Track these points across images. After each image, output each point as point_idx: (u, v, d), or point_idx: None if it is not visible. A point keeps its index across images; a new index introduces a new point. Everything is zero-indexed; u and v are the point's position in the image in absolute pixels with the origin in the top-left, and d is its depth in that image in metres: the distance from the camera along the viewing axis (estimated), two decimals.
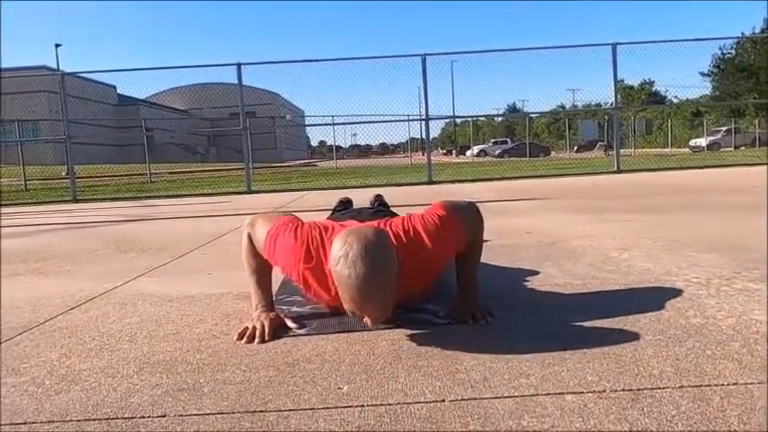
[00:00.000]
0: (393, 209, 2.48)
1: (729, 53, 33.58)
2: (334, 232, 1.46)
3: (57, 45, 35.32)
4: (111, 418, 1.05)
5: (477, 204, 1.69)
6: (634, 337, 1.35)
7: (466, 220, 1.59)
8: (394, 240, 1.41)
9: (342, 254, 1.26)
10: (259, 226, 1.59)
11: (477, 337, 1.40)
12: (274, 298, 1.74)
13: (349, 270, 1.24)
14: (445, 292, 1.73)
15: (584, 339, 1.35)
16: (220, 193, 9.13)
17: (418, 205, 2.00)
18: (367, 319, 1.33)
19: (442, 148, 44.68)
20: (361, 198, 3.52)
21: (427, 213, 1.54)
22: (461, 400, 1.06)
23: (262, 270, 1.62)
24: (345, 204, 2.72)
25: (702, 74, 32.83)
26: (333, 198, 4.16)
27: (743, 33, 30.31)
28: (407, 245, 1.44)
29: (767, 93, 28.59)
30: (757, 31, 31.61)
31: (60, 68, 28.28)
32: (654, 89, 43.86)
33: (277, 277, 1.68)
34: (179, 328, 1.63)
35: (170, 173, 18.64)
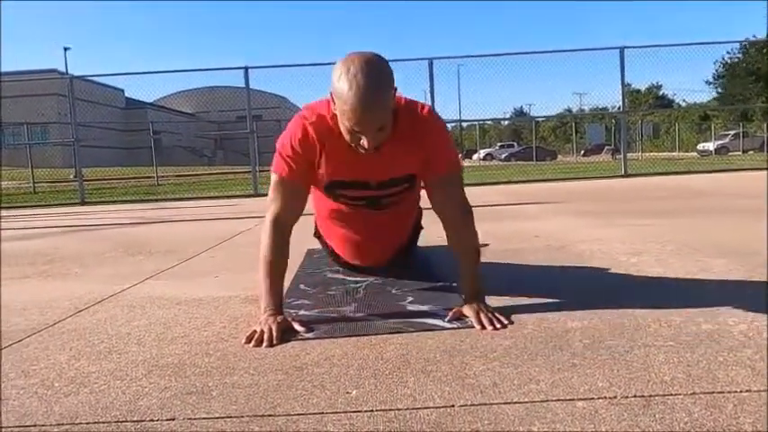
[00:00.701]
0: None
1: (737, 57, 33.45)
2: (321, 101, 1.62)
3: (65, 48, 35.62)
4: (120, 421, 1.05)
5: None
6: (644, 342, 1.34)
7: (458, 169, 1.72)
8: (397, 101, 1.57)
9: (344, 70, 1.38)
10: (270, 192, 1.67)
11: (486, 343, 1.40)
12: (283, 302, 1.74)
13: (350, 82, 1.36)
14: (455, 296, 1.72)
15: (595, 345, 1.34)
16: (227, 196, 9.15)
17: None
18: (364, 141, 1.44)
19: None
20: None
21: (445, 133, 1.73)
22: (471, 405, 1.05)
23: (277, 271, 1.62)
24: None
25: (707, 82, 32.74)
26: None
27: (754, 36, 30.16)
28: (409, 107, 1.62)
29: None
30: (763, 35, 31.47)
31: (69, 72, 28.51)
32: (661, 93, 43.74)
33: (284, 283, 1.68)
34: (187, 330, 1.64)
35: (177, 176, 18.73)
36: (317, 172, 1.68)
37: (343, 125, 1.46)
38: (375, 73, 1.39)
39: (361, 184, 1.72)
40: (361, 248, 2.00)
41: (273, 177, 1.67)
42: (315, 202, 1.91)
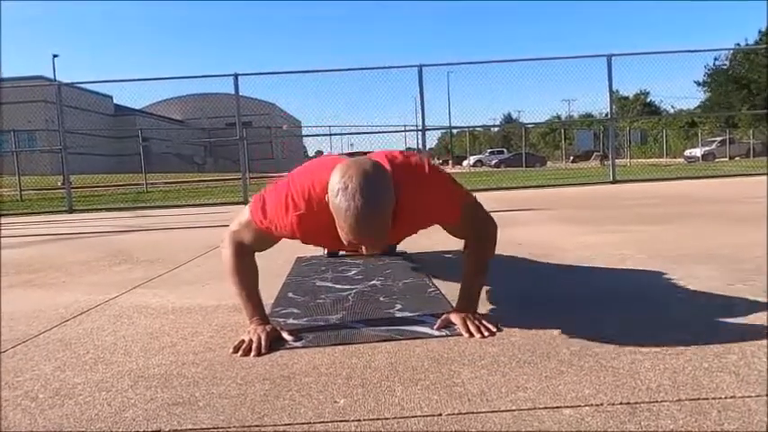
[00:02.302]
0: None
1: (724, 64, 33.89)
2: (317, 170, 1.51)
3: (54, 56, 35.43)
4: None
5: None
6: (631, 349, 1.35)
7: (470, 212, 1.63)
8: (394, 168, 1.46)
9: (341, 186, 1.30)
10: (239, 219, 1.61)
11: (474, 351, 1.40)
12: (270, 311, 1.73)
13: (348, 202, 1.28)
14: (443, 303, 1.73)
15: (581, 352, 1.35)
16: (217, 204, 9.11)
17: None
18: (363, 248, 1.37)
19: (438, 159, 44.79)
20: None
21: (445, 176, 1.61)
22: (458, 414, 1.05)
23: (249, 283, 1.60)
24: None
25: (697, 83, 33.13)
26: None
27: (738, 44, 30.59)
28: (407, 172, 1.49)
29: (760, 104, 28.84)
30: (750, 42, 31.90)
31: (57, 79, 28.34)
32: (649, 99, 44.17)
33: (273, 289, 1.67)
34: (174, 340, 1.62)
35: (166, 183, 18.63)
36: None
37: (341, 235, 1.36)
38: (374, 191, 1.30)
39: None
40: None
41: (247, 218, 1.58)
42: None
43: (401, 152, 1.59)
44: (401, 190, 1.41)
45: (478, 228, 1.67)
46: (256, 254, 1.65)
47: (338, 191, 1.30)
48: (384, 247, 1.45)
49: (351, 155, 2.25)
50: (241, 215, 1.62)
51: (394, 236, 1.53)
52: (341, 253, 2.81)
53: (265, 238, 1.60)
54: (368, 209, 1.28)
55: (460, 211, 1.59)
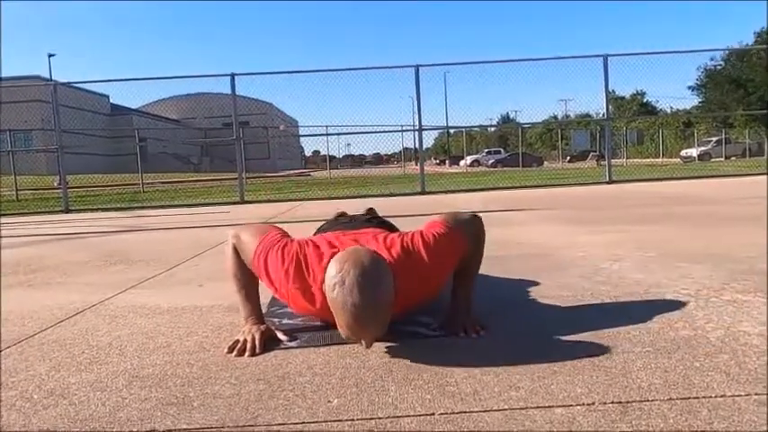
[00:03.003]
0: (387, 219, 2.49)
1: (720, 65, 33.98)
2: (323, 251, 1.45)
3: (50, 55, 35.29)
4: None
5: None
6: (623, 349, 1.36)
7: (467, 232, 1.59)
8: (392, 257, 1.42)
9: (337, 281, 1.26)
10: (245, 239, 1.59)
11: (467, 350, 1.41)
12: (266, 310, 1.74)
13: (345, 298, 1.24)
14: (437, 304, 1.73)
15: (574, 351, 1.35)
16: (213, 204, 9.10)
17: (411, 215, 2.01)
18: (363, 342, 1.33)
19: (435, 159, 44.80)
20: (355, 208, 3.52)
21: (427, 230, 1.54)
22: (451, 413, 1.06)
23: (249, 283, 1.61)
24: (339, 218, 2.71)
25: (690, 87, 33.23)
26: (326, 208, 4.17)
27: (738, 44, 30.70)
28: (405, 262, 1.44)
29: (756, 104, 28.93)
30: (745, 44, 32.00)
31: (53, 78, 28.25)
32: (645, 100, 44.27)
33: (268, 291, 1.68)
34: (169, 340, 1.63)
35: (163, 183, 18.59)
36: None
37: (339, 328, 1.33)
38: (372, 287, 1.25)
39: None
40: None
41: (252, 246, 1.54)
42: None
43: (398, 234, 1.56)
44: (399, 277, 1.35)
45: (472, 240, 1.63)
46: None
47: (335, 285, 1.26)
48: (383, 334, 1.37)
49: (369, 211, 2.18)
50: (247, 235, 1.58)
51: (401, 308, 1.46)
52: None
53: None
54: (365, 305, 1.24)
55: (454, 254, 1.55)
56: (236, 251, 1.61)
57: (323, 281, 1.33)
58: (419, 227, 1.58)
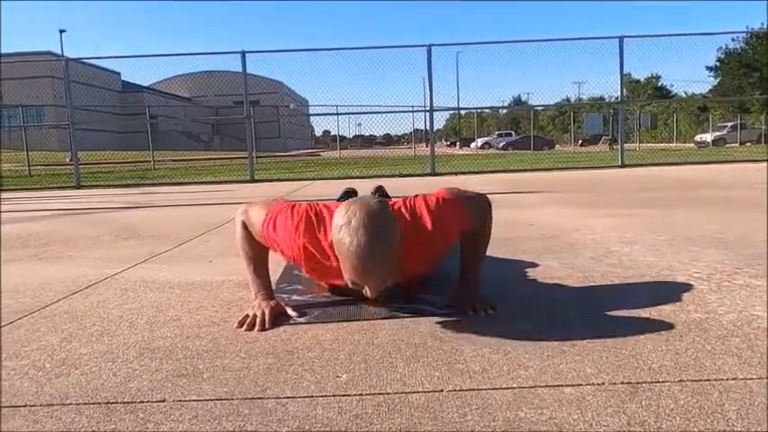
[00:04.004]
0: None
1: (737, 48, 33.39)
2: (331, 210, 1.46)
3: (61, 31, 35.26)
4: (111, 403, 1.06)
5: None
6: (634, 330, 1.35)
7: (471, 207, 1.58)
8: (397, 216, 1.41)
9: (344, 222, 1.27)
10: (254, 213, 1.59)
11: (476, 329, 1.40)
12: (275, 286, 1.74)
13: (351, 238, 1.25)
14: (445, 281, 1.73)
15: (584, 332, 1.35)
16: (223, 182, 9.13)
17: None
18: (367, 289, 1.32)
19: (445, 140, 44.54)
20: (365, 188, 3.51)
21: (431, 196, 1.54)
22: (459, 390, 1.06)
23: (258, 258, 1.62)
24: (349, 194, 2.72)
25: (709, 68, 32.69)
26: (336, 187, 4.17)
27: (749, 27, 30.11)
28: (409, 222, 1.44)
29: None
30: (763, 26, 31.37)
31: (64, 54, 28.26)
32: (660, 83, 43.66)
33: (277, 266, 1.68)
34: (179, 314, 1.64)
35: (173, 160, 18.66)
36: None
37: (344, 275, 1.33)
38: (377, 228, 1.26)
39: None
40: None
41: (260, 218, 1.54)
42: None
43: (402, 199, 1.55)
44: (403, 237, 1.34)
45: (479, 218, 1.62)
46: None
47: (341, 227, 1.27)
48: (389, 287, 1.36)
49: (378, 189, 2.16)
50: (257, 209, 1.58)
51: (404, 272, 1.46)
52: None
53: (264, 246, 1.59)
54: (370, 244, 1.23)
55: (464, 222, 1.55)
56: (245, 227, 1.61)
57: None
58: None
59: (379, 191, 2.82)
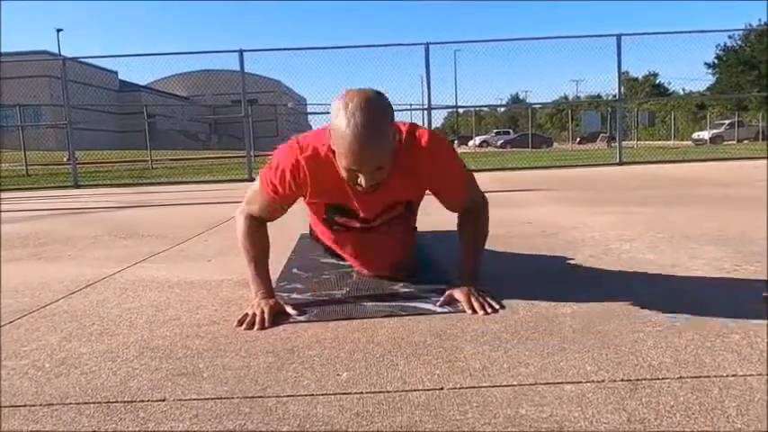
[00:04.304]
0: None
1: (735, 45, 33.42)
2: (309, 137, 1.57)
3: (58, 30, 35.18)
4: (111, 402, 1.06)
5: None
6: (634, 327, 1.35)
7: (469, 185, 1.67)
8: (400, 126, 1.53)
9: (341, 106, 1.33)
10: (249, 193, 1.65)
11: (476, 327, 1.40)
12: (275, 285, 1.74)
13: (347, 120, 1.31)
14: (444, 280, 1.73)
15: (584, 329, 1.35)
16: (221, 181, 9.13)
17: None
18: (362, 179, 1.38)
19: None
20: None
21: (443, 149, 1.61)
22: (460, 388, 1.06)
23: (259, 257, 1.62)
24: None
25: (707, 64, 32.71)
26: None
27: (749, 24, 30.13)
28: (406, 142, 1.53)
29: None
30: (762, 23, 31.37)
31: (62, 53, 28.18)
32: (658, 81, 43.69)
33: (277, 265, 1.68)
34: (179, 313, 1.64)
35: (171, 159, 18.64)
36: (311, 201, 1.65)
37: (341, 163, 1.39)
38: (374, 111, 1.33)
39: (356, 214, 1.67)
40: (358, 262, 1.93)
41: (257, 186, 1.63)
42: (309, 211, 1.83)
43: (411, 123, 1.63)
44: (400, 148, 1.47)
45: (473, 198, 1.69)
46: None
47: (338, 111, 1.33)
48: (381, 178, 1.43)
49: None
50: (252, 186, 1.66)
51: (395, 192, 1.58)
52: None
53: (275, 206, 1.62)
54: (366, 123, 1.30)
55: (457, 189, 1.63)
56: (248, 219, 1.62)
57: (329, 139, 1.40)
58: None
59: None
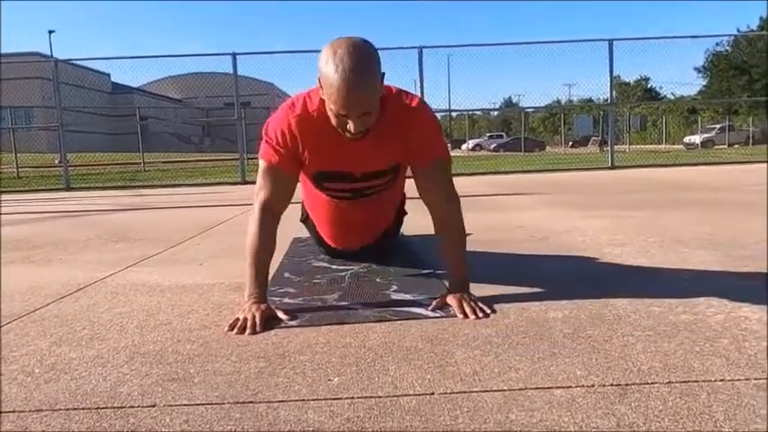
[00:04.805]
0: None
1: (726, 50, 33.69)
2: (299, 99, 1.63)
3: (50, 31, 35.01)
4: (101, 408, 1.05)
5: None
6: (624, 332, 1.36)
7: (445, 177, 1.72)
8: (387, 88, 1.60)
9: (330, 54, 1.38)
10: (258, 180, 1.68)
11: (468, 332, 1.41)
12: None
13: (336, 65, 1.36)
14: (436, 285, 1.73)
15: (574, 334, 1.36)
16: (214, 183, 9.10)
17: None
18: (350, 125, 1.43)
19: None
20: None
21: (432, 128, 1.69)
22: (451, 393, 1.06)
23: (263, 257, 1.62)
24: None
25: (697, 69, 32.95)
26: None
27: (738, 30, 30.40)
28: (396, 101, 1.61)
29: (761, 91, 28.73)
30: (751, 29, 31.65)
31: (53, 55, 28.06)
32: (649, 85, 43.98)
33: (269, 271, 1.68)
34: (170, 318, 1.63)
35: (164, 162, 18.56)
36: (303, 163, 1.69)
37: (330, 109, 1.46)
38: (362, 56, 1.39)
39: (345, 175, 1.73)
40: (344, 233, 2.05)
41: (261, 164, 1.67)
42: (302, 185, 1.91)
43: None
44: (388, 105, 1.53)
45: (451, 190, 1.72)
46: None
47: (327, 59, 1.38)
48: (370, 123, 1.49)
49: None
50: (258, 171, 1.69)
51: (380, 150, 1.64)
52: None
53: (281, 176, 1.65)
54: (354, 68, 1.35)
55: (437, 155, 1.67)
56: (262, 215, 1.62)
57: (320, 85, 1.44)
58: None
59: None
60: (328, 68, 1.38)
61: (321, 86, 1.45)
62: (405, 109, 1.62)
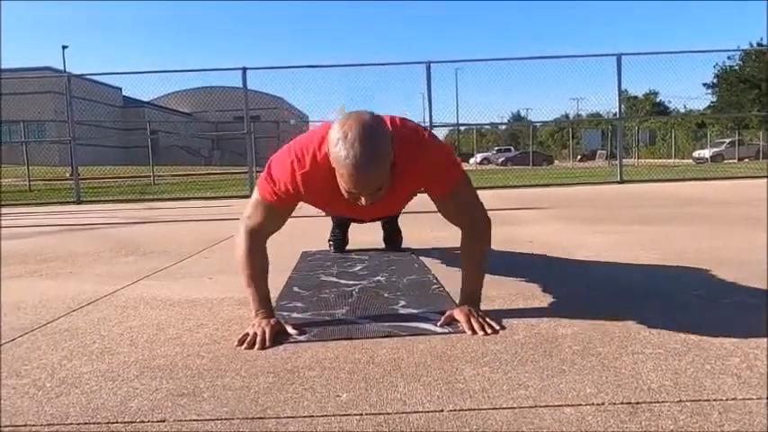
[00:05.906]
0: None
1: (738, 64, 33.61)
2: (317, 133, 1.58)
3: (64, 47, 35.50)
4: (111, 422, 1.06)
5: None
6: (633, 350, 1.35)
7: (462, 179, 1.66)
8: (392, 129, 1.53)
9: (340, 135, 1.37)
10: (248, 208, 1.66)
11: (476, 348, 1.41)
12: (275, 304, 1.75)
13: (347, 150, 1.35)
14: (447, 300, 1.73)
15: (584, 351, 1.35)
16: (224, 197, 9.15)
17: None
18: (362, 198, 1.43)
19: None
20: None
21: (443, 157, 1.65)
22: (460, 410, 1.06)
23: (259, 276, 1.62)
24: None
25: (706, 85, 32.90)
26: None
27: (750, 44, 30.36)
28: (405, 133, 1.57)
29: None
30: (762, 43, 31.57)
31: (67, 70, 28.45)
32: (658, 99, 43.92)
33: (278, 284, 1.69)
34: (180, 332, 1.64)
35: (174, 175, 18.69)
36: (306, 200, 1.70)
37: (342, 185, 1.44)
38: (372, 139, 1.37)
39: (354, 219, 1.75)
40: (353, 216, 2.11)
41: (257, 197, 1.63)
42: None
43: (401, 117, 1.66)
44: (400, 146, 1.48)
45: (473, 212, 1.69)
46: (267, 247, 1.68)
47: (338, 140, 1.37)
48: (381, 196, 1.47)
49: None
50: (250, 199, 1.68)
51: (393, 197, 1.60)
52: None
53: (276, 212, 1.63)
54: (366, 153, 1.34)
55: (451, 184, 1.63)
56: (246, 235, 1.62)
57: (327, 144, 1.43)
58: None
59: None
60: (339, 151, 1.36)
61: (332, 161, 1.41)
62: (411, 153, 1.55)
